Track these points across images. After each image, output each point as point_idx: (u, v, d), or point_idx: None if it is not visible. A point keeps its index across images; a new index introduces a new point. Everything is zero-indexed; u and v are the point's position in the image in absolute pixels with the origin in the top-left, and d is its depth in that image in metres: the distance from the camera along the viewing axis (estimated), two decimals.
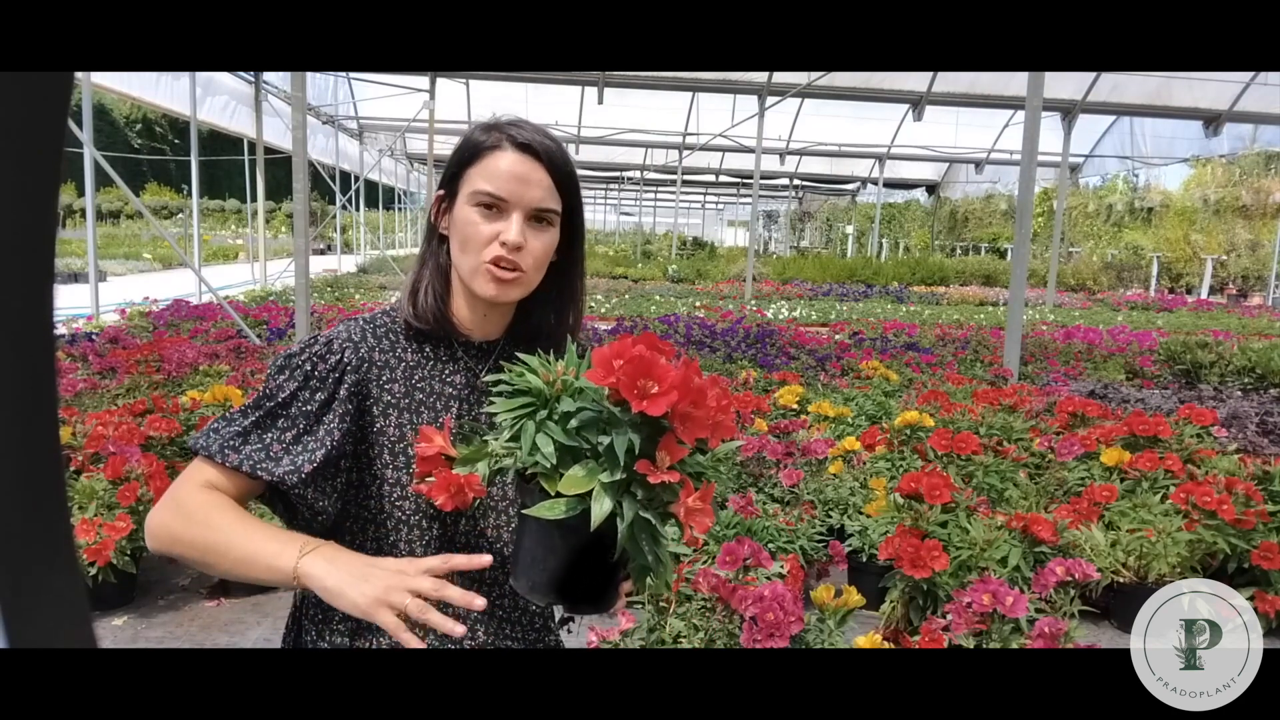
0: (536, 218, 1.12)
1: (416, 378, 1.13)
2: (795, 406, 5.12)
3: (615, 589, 0.98)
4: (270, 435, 1.06)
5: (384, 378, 1.12)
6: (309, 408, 1.07)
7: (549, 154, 1.12)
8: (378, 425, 1.10)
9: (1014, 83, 14.04)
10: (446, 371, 1.15)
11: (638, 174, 26.71)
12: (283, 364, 1.09)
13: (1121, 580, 3.39)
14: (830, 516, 3.80)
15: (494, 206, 1.10)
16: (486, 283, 1.11)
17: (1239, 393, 7.17)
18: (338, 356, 1.09)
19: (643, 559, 0.87)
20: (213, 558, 1.01)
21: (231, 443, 1.05)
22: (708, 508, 0.86)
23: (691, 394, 0.84)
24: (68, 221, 28.35)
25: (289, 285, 12.81)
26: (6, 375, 0.34)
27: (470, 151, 1.12)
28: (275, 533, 1.02)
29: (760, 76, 14.91)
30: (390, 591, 0.93)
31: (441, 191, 1.16)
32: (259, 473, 1.04)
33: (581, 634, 2.47)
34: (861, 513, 3.71)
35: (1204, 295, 20.84)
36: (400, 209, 33.05)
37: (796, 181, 29.67)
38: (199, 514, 1.02)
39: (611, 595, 0.98)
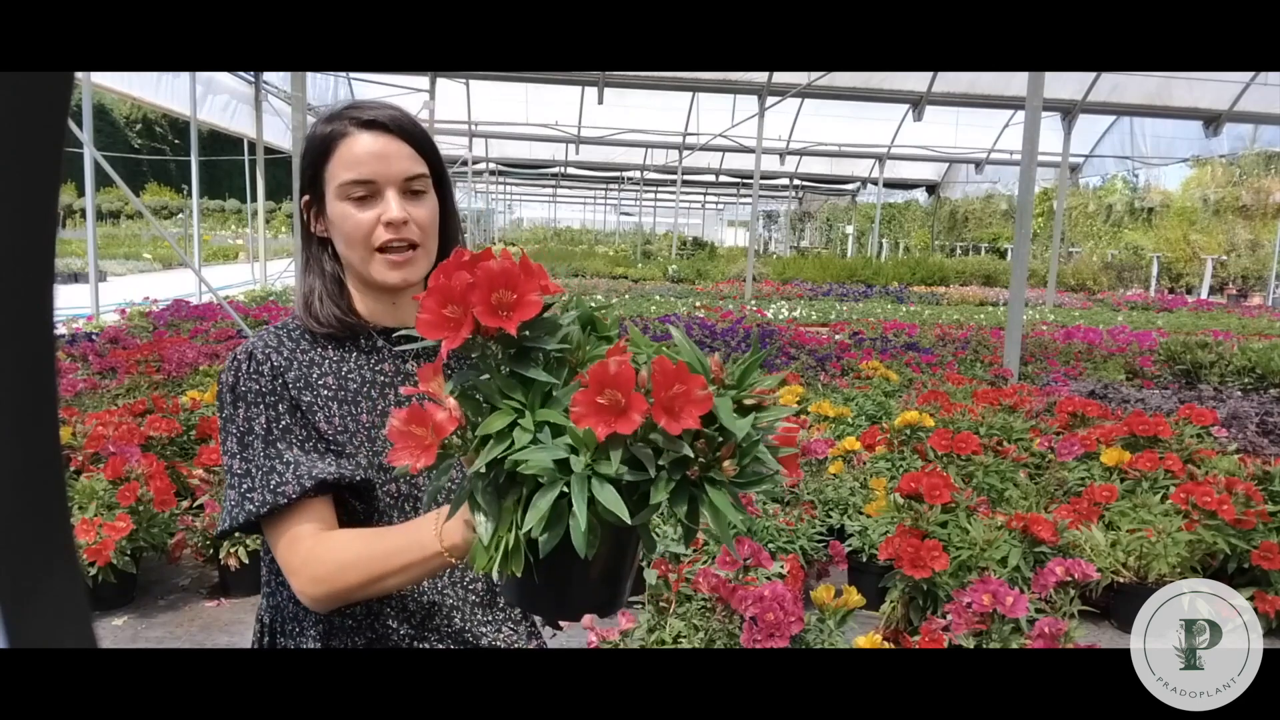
0: (409, 190, 1.10)
1: (345, 370, 1.12)
2: (795, 406, 5.12)
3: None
4: (288, 455, 1.05)
5: (313, 375, 1.11)
6: (285, 420, 1.07)
7: (398, 123, 1.10)
8: (319, 417, 1.09)
9: (1014, 83, 14.03)
10: (373, 361, 1.14)
11: (638, 174, 26.69)
12: (233, 399, 1.07)
13: (1121, 580, 3.39)
14: (830, 516, 3.80)
15: (365, 193, 1.08)
16: (387, 270, 1.09)
17: (1239, 393, 7.16)
18: (268, 364, 1.09)
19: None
20: (378, 586, 1.01)
21: (271, 483, 1.04)
22: (432, 442, 0.74)
23: (445, 289, 0.74)
24: (68, 221, 28.34)
25: (289, 285, 12.81)
26: (6, 375, 0.34)
27: (320, 147, 1.10)
28: (403, 532, 1.01)
29: (760, 76, 14.91)
30: None
31: (306, 196, 1.14)
32: (321, 477, 1.04)
33: (582, 634, 2.47)
34: (861, 513, 3.71)
35: (1204, 295, 20.83)
36: None
37: (796, 181, 29.65)
38: (332, 566, 1.01)
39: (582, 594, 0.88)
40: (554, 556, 0.73)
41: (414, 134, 1.11)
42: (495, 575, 0.76)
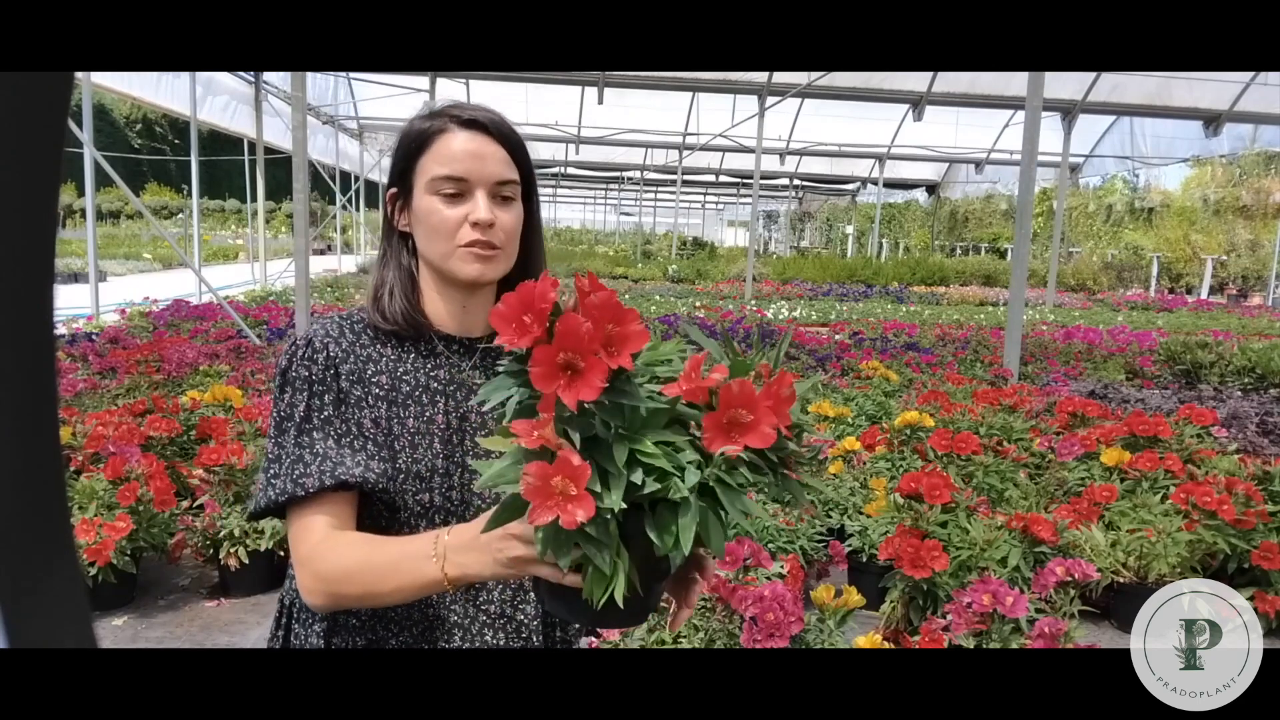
0: (499, 194, 1.09)
1: (400, 371, 1.12)
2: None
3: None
4: (319, 447, 1.05)
5: (368, 370, 1.10)
6: (328, 411, 1.07)
7: (497, 126, 1.10)
8: (365, 414, 1.09)
9: (1014, 83, 14.02)
10: (429, 366, 1.13)
11: (638, 174, 26.69)
12: (282, 382, 1.08)
13: (1121, 580, 3.39)
14: (830, 516, 3.80)
15: (455, 190, 1.08)
16: (468, 263, 1.08)
17: (1239, 393, 7.16)
18: (324, 353, 1.09)
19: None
20: (375, 601, 1.01)
21: (295, 473, 1.04)
22: (581, 491, 0.72)
23: (569, 335, 0.72)
24: (68, 221, 28.32)
25: (289, 285, 12.81)
26: (6, 375, 0.34)
27: (417, 141, 1.10)
28: (404, 549, 0.98)
29: (760, 76, 14.90)
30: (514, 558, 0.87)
31: (394, 189, 1.13)
32: (343, 478, 1.03)
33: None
34: (861, 513, 3.71)
35: (1204, 295, 20.83)
36: None
37: (796, 181, 29.65)
38: (334, 567, 1.00)
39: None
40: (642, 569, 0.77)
41: (511, 140, 1.11)
42: (618, 598, 0.76)
